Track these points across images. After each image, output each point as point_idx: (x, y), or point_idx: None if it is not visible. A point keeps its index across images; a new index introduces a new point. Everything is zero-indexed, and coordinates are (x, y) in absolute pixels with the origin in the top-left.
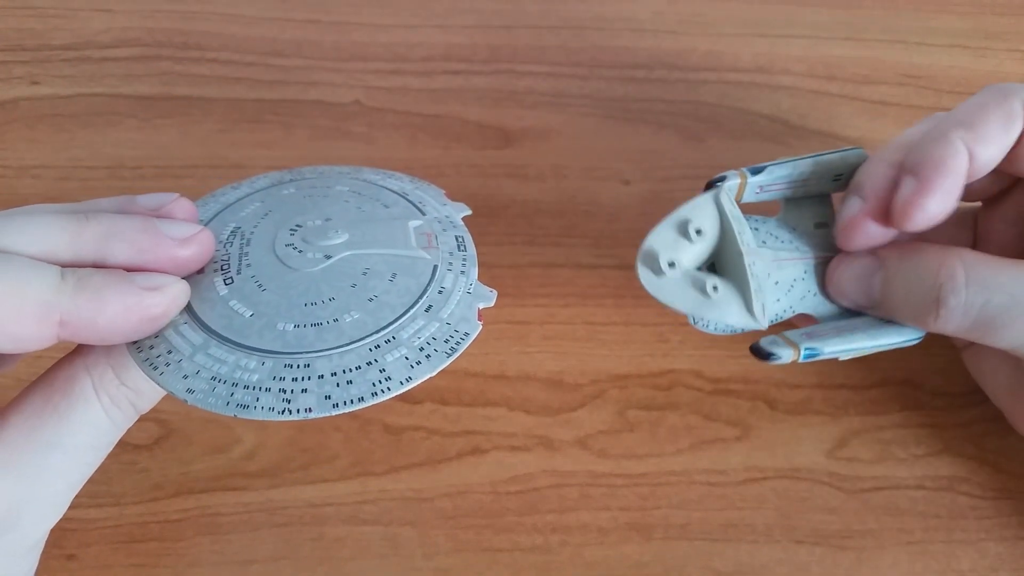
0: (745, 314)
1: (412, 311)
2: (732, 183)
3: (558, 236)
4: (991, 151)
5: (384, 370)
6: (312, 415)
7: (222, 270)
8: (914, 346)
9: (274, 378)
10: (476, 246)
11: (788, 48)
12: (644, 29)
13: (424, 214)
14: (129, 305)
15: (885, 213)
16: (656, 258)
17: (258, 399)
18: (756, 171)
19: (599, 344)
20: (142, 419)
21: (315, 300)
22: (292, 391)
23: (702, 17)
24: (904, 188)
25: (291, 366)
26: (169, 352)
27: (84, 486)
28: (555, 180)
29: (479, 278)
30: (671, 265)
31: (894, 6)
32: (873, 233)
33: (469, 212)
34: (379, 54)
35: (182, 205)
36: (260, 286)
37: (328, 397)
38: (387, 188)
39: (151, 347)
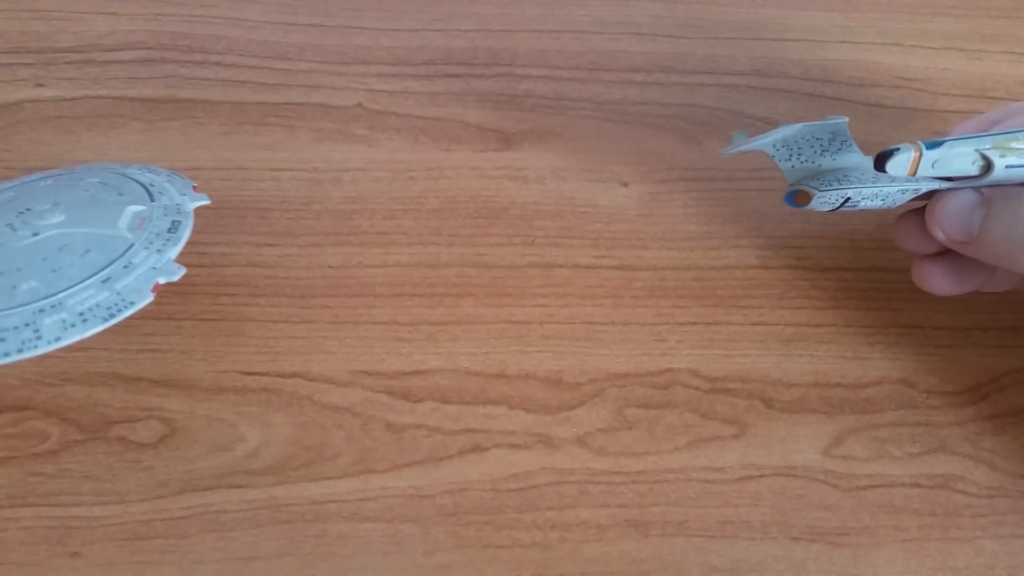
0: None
1: (88, 281)
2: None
3: (557, 237)
4: None
5: (38, 331)
6: None
7: None
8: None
9: None
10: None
11: (784, 51)
12: (642, 33)
13: (153, 200)
14: None
15: None
16: (731, 140)
17: None
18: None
19: (598, 343)
20: (147, 418)
21: (5, 270)
22: None
23: (699, 21)
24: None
25: None
26: None
27: (88, 483)
28: (554, 182)
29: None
30: (735, 132)
31: (889, 9)
32: None
33: (206, 202)
34: (381, 58)
35: None
36: None
37: None
38: (135, 180)
39: None
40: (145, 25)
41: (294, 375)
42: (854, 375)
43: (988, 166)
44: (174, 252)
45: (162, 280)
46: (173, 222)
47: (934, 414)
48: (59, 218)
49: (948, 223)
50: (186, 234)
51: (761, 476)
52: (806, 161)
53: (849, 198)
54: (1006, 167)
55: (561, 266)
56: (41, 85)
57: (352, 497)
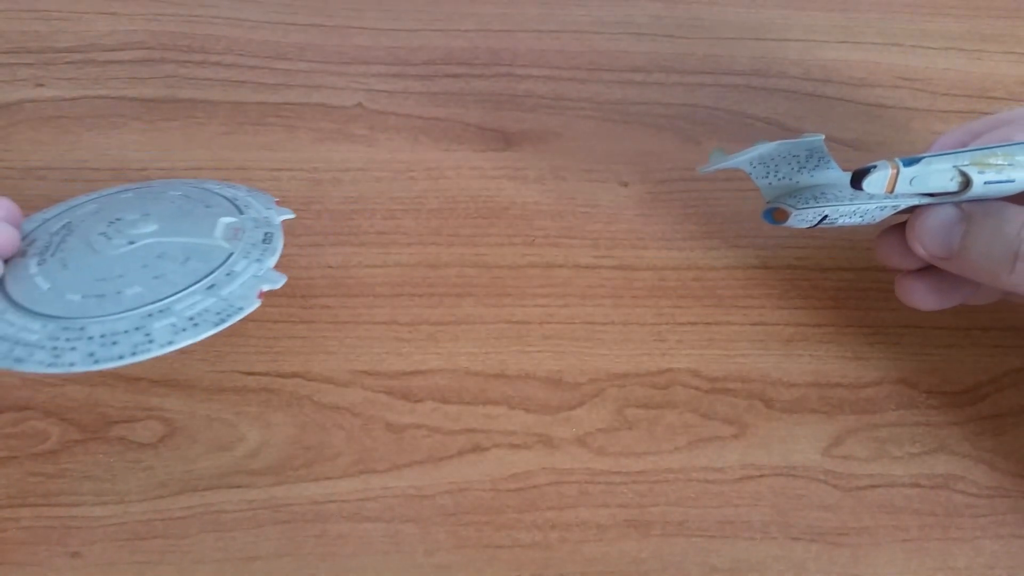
0: (785, 141)
1: (192, 288)
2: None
3: (557, 237)
4: None
5: (149, 334)
6: (75, 369)
7: (40, 254)
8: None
9: (51, 337)
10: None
11: (784, 51)
12: (642, 33)
13: (242, 213)
14: None
15: None
16: (708, 159)
17: (33, 354)
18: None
19: (598, 343)
20: (147, 418)
21: (106, 276)
22: (62, 348)
23: (699, 21)
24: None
25: (68, 328)
26: None
27: (88, 483)
28: (554, 182)
29: (287, 270)
30: (713, 149)
31: (889, 9)
32: None
33: (291, 216)
34: (381, 57)
35: (3, 205)
36: (64, 265)
37: (92, 354)
38: (218, 194)
39: None
40: (145, 25)
41: (294, 375)
42: (854, 375)
43: (967, 182)
44: (272, 261)
45: (266, 287)
46: (266, 234)
47: (934, 414)
48: (152, 227)
49: (928, 239)
50: (280, 245)
51: (761, 476)
52: (783, 178)
53: (827, 216)
54: (985, 183)
55: (561, 266)
56: (41, 85)
57: (352, 497)
